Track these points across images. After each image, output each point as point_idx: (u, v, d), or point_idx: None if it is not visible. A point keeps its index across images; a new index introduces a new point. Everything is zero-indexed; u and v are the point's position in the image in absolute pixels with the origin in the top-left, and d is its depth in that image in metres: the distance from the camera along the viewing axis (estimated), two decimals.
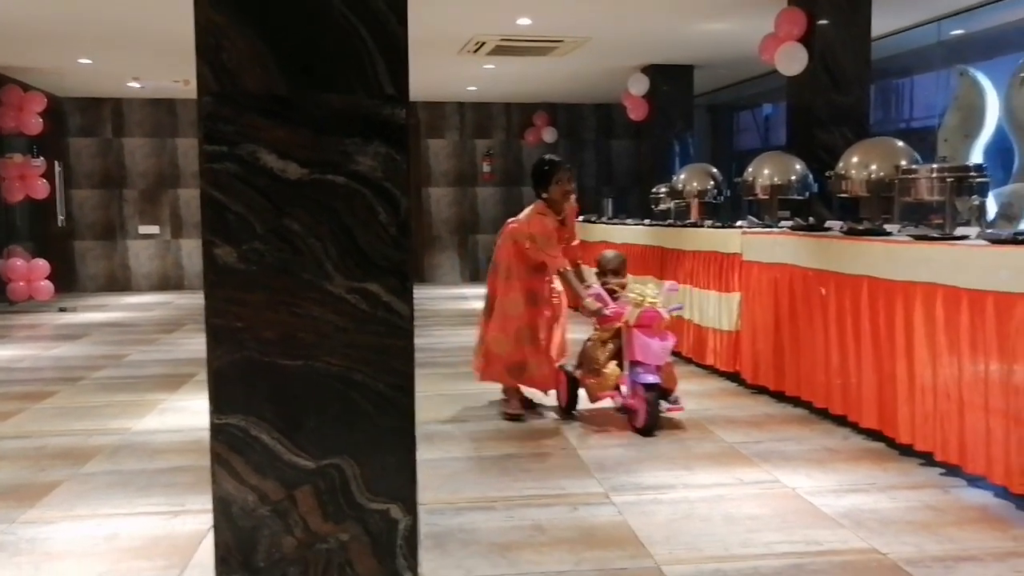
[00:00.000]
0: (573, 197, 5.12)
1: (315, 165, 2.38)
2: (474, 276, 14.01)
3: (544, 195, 5.04)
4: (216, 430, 2.36)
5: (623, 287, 5.03)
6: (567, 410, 5.07)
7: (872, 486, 3.73)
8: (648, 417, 4.51)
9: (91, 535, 3.31)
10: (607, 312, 4.78)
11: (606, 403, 4.95)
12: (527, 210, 5.15)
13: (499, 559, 3.02)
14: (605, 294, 4.93)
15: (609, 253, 5.32)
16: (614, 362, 4.78)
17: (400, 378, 2.47)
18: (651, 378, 4.54)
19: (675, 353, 5.55)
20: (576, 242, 5.29)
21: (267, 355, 2.37)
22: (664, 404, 4.74)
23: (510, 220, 5.26)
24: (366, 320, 2.43)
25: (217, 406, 2.36)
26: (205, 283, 2.36)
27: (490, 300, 5.13)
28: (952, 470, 3.81)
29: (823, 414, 4.84)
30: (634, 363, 4.64)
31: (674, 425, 4.79)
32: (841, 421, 4.66)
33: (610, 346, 4.82)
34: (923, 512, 3.41)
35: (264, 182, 2.35)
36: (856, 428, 4.52)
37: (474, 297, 11.63)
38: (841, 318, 4.61)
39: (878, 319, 4.28)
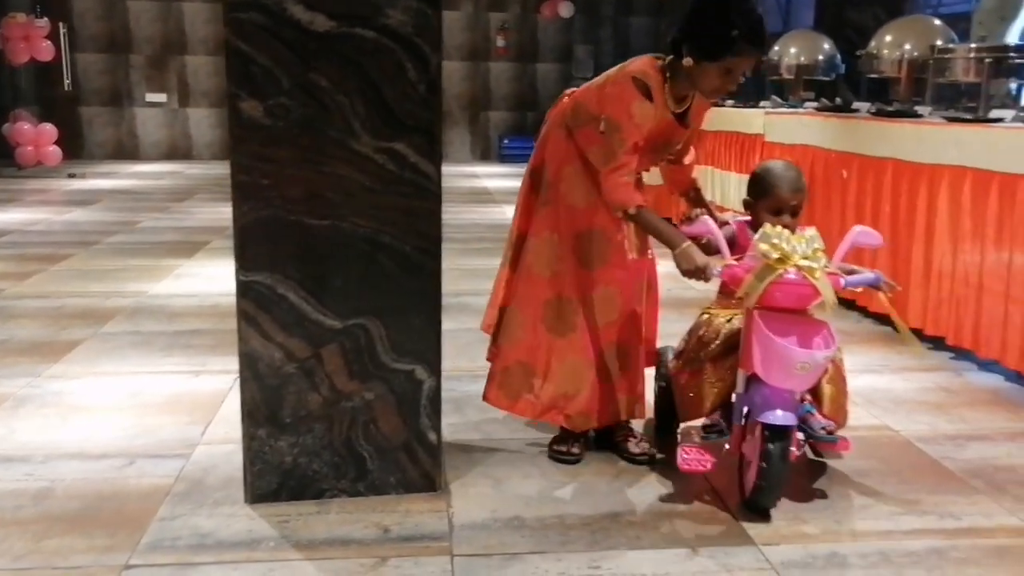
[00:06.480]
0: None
1: (343, 18, 2.29)
2: (484, 155, 13.85)
3: (683, 57, 2.54)
4: (243, 287, 2.35)
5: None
6: (662, 428, 2.97)
7: (885, 367, 3.76)
8: (760, 479, 2.39)
9: (115, 391, 3.36)
10: (715, 270, 2.48)
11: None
12: (614, 70, 2.69)
13: (515, 423, 3.07)
14: (719, 232, 2.55)
15: (776, 166, 2.72)
16: (725, 363, 2.59)
17: (427, 241, 2.46)
18: (777, 416, 2.36)
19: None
20: (689, 159, 2.93)
21: (293, 213, 2.35)
22: (816, 429, 2.58)
23: (567, 91, 2.86)
24: (393, 181, 2.39)
25: (243, 263, 2.35)
26: (231, 138, 2.32)
27: (513, 237, 2.92)
28: (962, 354, 3.83)
29: None
30: (753, 378, 2.45)
31: None
32: (850, 305, 4.66)
33: (733, 323, 2.61)
34: (935, 393, 3.45)
35: (291, 34, 2.27)
36: (864, 312, 4.53)
37: (485, 175, 11.52)
38: (860, 201, 4.55)
39: (899, 202, 4.22)
